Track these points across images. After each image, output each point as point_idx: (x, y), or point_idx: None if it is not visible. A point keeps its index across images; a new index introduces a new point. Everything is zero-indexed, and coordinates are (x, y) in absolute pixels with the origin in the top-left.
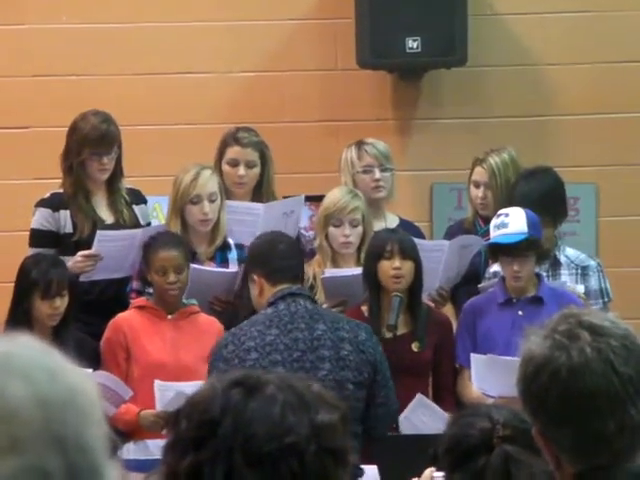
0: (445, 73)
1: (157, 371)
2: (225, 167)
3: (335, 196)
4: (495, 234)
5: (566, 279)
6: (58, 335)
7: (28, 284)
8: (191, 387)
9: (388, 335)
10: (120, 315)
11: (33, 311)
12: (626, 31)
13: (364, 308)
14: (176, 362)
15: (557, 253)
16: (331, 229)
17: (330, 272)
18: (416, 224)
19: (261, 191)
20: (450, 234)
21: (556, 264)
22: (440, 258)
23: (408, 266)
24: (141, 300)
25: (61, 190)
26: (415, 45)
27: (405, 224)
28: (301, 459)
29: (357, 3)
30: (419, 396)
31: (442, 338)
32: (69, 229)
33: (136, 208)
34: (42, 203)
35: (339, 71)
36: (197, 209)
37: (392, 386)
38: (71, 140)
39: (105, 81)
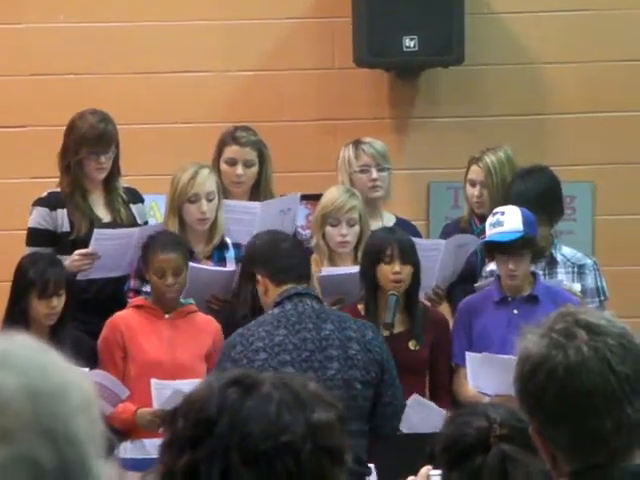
0: (442, 72)
1: (154, 370)
2: (223, 166)
3: (332, 195)
4: (491, 232)
5: (562, 278)
6: (55, 334)
7: (25, 283)
8: (188, 385)
9: (385, 333)
10: (117, 314)
11: (30, 310)
12: (623, 29)
13: (360, 307)
14: (173, 361)
15: (553, 252)
16: (328, 228)
17: (327, 271)
18: (413, 223)
19: (259, 190)
20: (446, 233)
21: (552, 263)
22: (436, 257)
23: (408, 270)
24: (139, 299)
25: (58, 189)
26: (412, 44)
27: (402, 223)
28: (297, 458)
29: (354, 2)
30: (414, 396)
31: (439, 337)
32: (66, 228)
33: (133, 207)
34: (39, 202)
35: (336, 70)
36: (195, 208)
37: (399, 385)
38: (69, 139)
39: (103, 80)
